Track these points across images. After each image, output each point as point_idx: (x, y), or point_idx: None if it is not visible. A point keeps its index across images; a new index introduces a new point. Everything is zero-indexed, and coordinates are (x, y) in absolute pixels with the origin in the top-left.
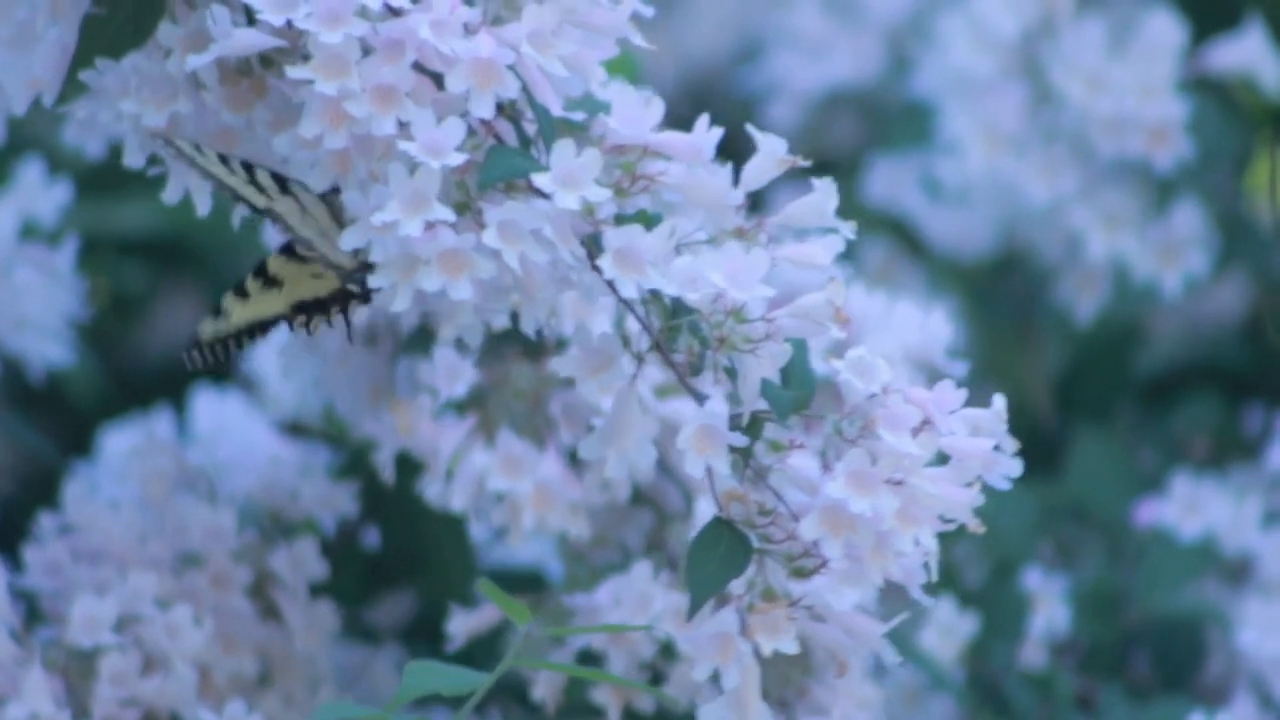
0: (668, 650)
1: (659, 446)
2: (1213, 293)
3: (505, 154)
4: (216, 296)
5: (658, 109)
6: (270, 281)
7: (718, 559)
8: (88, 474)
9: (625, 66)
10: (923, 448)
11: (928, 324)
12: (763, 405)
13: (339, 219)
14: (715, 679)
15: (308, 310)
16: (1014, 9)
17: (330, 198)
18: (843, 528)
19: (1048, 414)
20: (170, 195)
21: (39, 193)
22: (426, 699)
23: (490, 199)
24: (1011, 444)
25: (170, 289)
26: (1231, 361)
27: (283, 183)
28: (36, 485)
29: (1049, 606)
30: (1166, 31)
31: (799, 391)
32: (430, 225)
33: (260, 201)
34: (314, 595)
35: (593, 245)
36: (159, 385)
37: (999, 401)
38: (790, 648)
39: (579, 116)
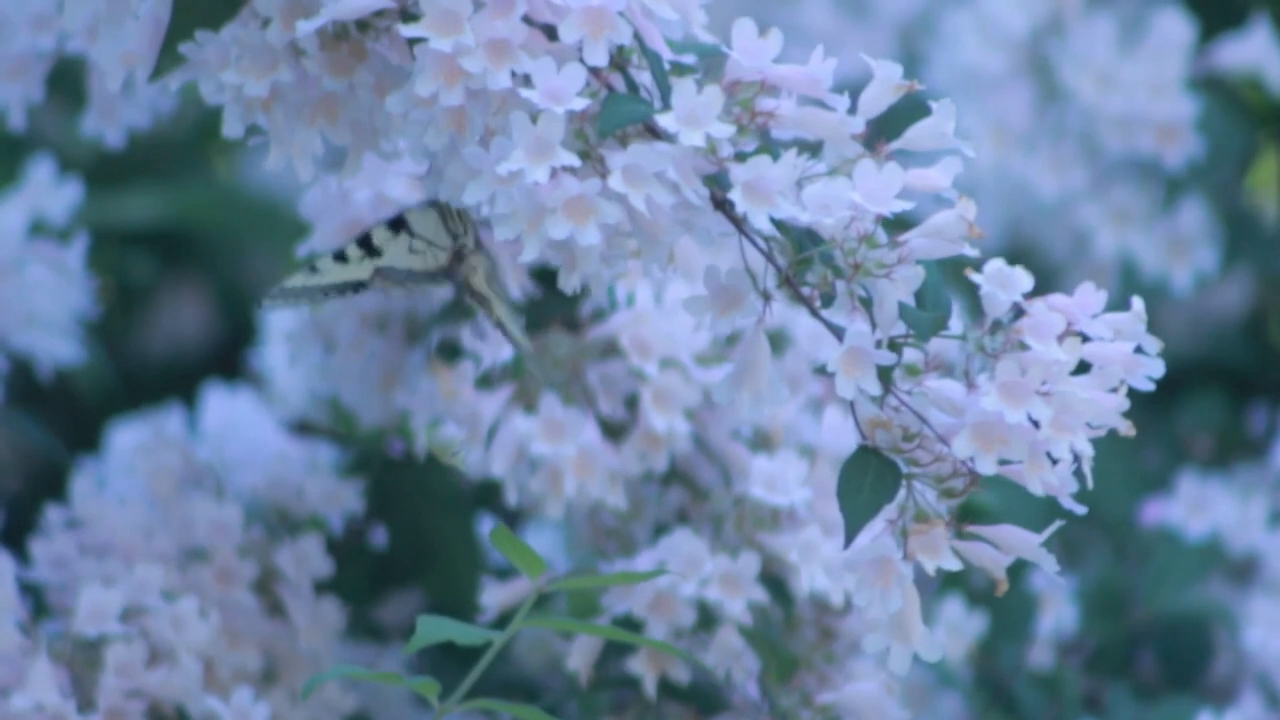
0: (706, 619)
1: (697, 420)
2: (1217, 291)
3: (623, 100)
4: (223, 289)
5: (777, 42)
6: (371, 250)
7: (868, 486)
8: (95, 470)
9: None
10: (1068, 354)
11: None
12: (899, 330)
13: (450, 216)
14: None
15: (392, 278)
16: (1023, 6)
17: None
18: (995, 442)
19: None
20: (274, 163)
21: (49, 191)
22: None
23: (609, 146)
24: (1155, 344)
25: (175, 283)
26: (1235, 360)
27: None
28: (44, 481)
29: (1056, 606)
30: (1176, 29)
31: (936, 312)
32: (554, 173)
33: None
34: (319, 592)
35: (713, 185)
36: (164, 381)
37: (1138, 303)
38: (952, 565)
39: (688, 59)
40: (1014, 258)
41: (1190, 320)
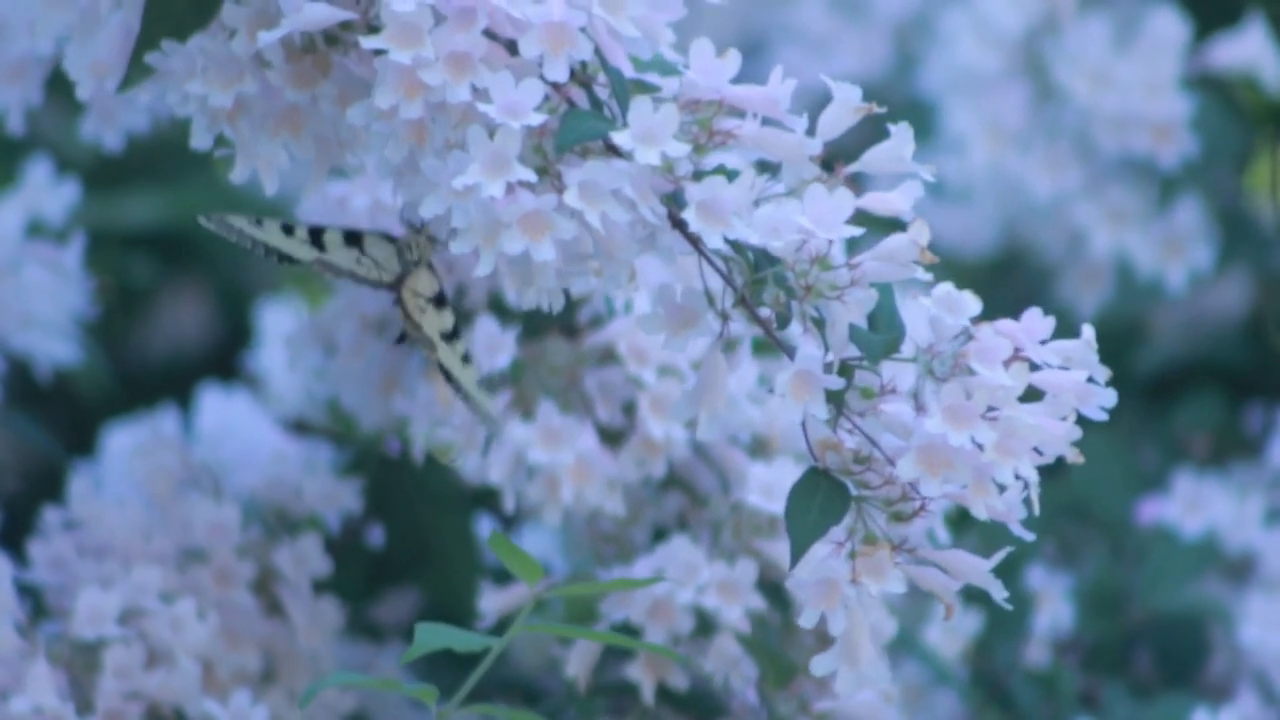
0: (703, 626)
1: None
2: (1213, 291)
3: (581, 116)
4: (221, 291)
5: (734, 62)
6: (316, 243)
7: (816, 508)
8: (91, 472)
9: None
10: (1015, 379)
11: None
12: (852, 352)
13: (408, 250)
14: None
15: (331, 269)
16: (1018, 6)
17: (403, 241)
18: (940, 465)
19: None
20: (238, 175)
21: (47, 192)
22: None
23: (567, 162)
24: (1104, 373)
25: (175, 284)
26: (1232, 359)
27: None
28: (42, 482)
29: (1052, 604)
30: (1170, 29)
31: (887, 335)
32: (511, 188)
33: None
34: (318, 592)
35: (672, 204)
36: (163, 383)
37: (1088, 331)
38: (897, 588)
39: (652, 78)
40: (1009, 258)
41: (1187, 320)
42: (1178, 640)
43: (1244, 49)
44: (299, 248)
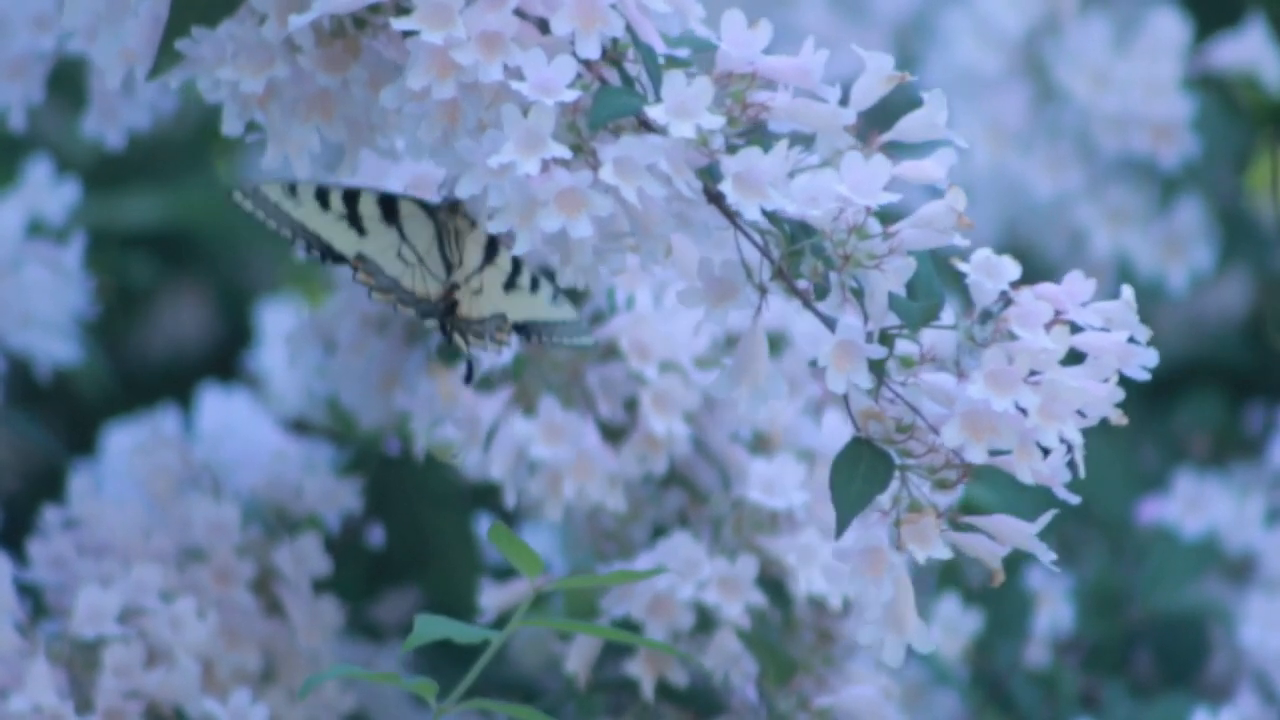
0: (704, 622)
1: (696, 423)
2: (1214, 291)
3: (615, 93)
4: (221, 291)
5: (766, 33)
6: (354, 219)
7: (860, 477)
8: (91, 472)
9: None
10: (1056, 342)
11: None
12: (891, 321)
13: (448, 236)
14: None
15: (376, 278)
16: (1019, 6)
17: (443, 214)
18: (984, 430)
19: None
20: (270, 160)
21: (47, 191)
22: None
23: (601, 139)
24: (1145, 333)
25: (175, 284)
26: (1233, 359)
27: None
28: (42, 481)
29: (1052, 604)
30: (1171, 29)
31: (926, 303)
32: (546, 165)
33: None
34: (318, 591)
35: (707, 178)
36: (163, 382)
37: (1127, 291)
38: (942, 554)
39: (683, 53)
40: (1010, 257)
41: (1188, 320)
42: (1178, 640)
43: (1245, 49)
44: (337, 230)
